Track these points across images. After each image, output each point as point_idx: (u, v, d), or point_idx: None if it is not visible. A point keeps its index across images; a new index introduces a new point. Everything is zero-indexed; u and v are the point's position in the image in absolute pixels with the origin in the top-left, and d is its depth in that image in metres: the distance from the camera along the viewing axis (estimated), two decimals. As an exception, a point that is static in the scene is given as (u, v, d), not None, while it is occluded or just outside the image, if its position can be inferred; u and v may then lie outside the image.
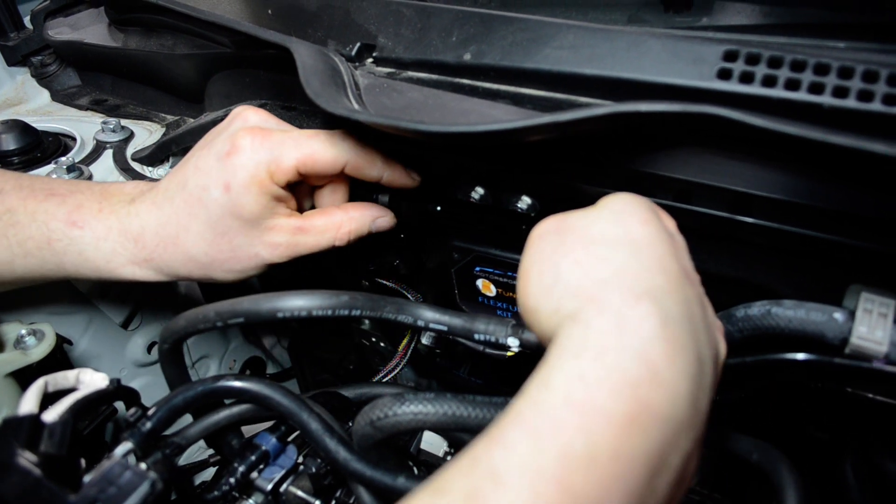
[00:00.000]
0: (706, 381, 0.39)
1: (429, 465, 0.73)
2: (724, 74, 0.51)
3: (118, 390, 0.61)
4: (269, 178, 0.57)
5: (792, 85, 0.48)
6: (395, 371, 0.88)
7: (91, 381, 0.62)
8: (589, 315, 0.38)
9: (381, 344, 1.01)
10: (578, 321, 0.38)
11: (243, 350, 1.15)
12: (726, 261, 0.60)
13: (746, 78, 0.50)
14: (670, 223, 0.49)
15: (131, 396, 0.62)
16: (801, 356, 0.52)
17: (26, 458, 0.46)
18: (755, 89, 0.49)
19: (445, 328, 0.55)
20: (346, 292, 0.54)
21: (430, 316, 0.56)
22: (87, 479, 0.49)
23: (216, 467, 0.74)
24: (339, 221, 0.62)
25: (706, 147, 0.54)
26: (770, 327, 0.55)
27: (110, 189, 0.64)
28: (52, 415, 0.54)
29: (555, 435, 0.34)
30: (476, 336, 0.54)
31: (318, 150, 0.58)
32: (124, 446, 0.54)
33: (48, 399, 0.58)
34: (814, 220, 0.52)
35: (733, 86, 0.50)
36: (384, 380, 0.89)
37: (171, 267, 0.62)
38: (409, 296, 0.84)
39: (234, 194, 0.57)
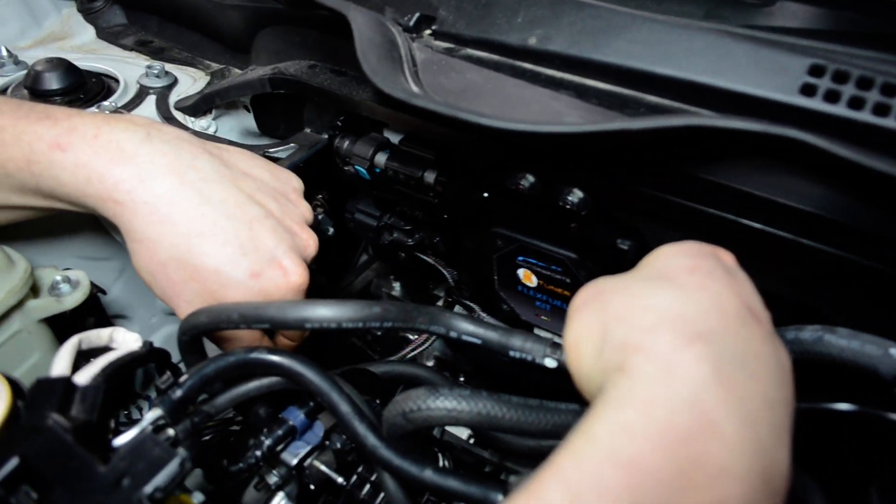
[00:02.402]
0: (778, 425, 0.36)
1: (453, 449, 0.73)
2: (808, 90, 0.48)
3: (150, 353, 0.60)
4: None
5: (881, 110, 0.45)
6: (424, 346, 0.88)
7: (124, 340, 0.61)
8: (636, 363, 0.36)
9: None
10: (625, 371, 0.36)
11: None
12: (781, 279, 0.58)
13: (832, 97, 0.47)
14: (728, 258, 0.46)
15: (163, 358, 0.62)
16: (846, 406, 0.50)
17: (58, 422, 0.46)
18: (840, 110, 0.47)
19: (479, 341, 0.54)
20: (378, 303, 0.53)
21: (463, 327, 0.54)
22: (116, 442, 0.49)
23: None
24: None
25: (775, 161, 0.51)
26: (821, 353, 0.53)
27: (120, 118, 0.59)
28: (84, 376, 0.53)
29: (598, 495, 0.32)
30: (511, 353, 0.52)
31: None
32: (155, 412, 0.54)
33: (80, 357, 0.58)
34: (878, 251, 0.50)
35: (817, 104, 0.47)
36: (413, 353, 0.89)
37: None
38: (446, 273, 0.83)
39: (245, 284, 0.57)
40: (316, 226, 0.94)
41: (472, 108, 0.54)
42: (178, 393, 0.56)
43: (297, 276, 0.59)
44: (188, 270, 0.57)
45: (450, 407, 0.51)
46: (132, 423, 0.70)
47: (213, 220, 0.56)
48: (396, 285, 0.99)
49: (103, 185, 0.55)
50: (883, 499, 0.65)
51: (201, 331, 0.60)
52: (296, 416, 0.62)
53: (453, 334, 0.55)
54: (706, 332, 0.36)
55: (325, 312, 0.54)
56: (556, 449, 0.35)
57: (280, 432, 0.60)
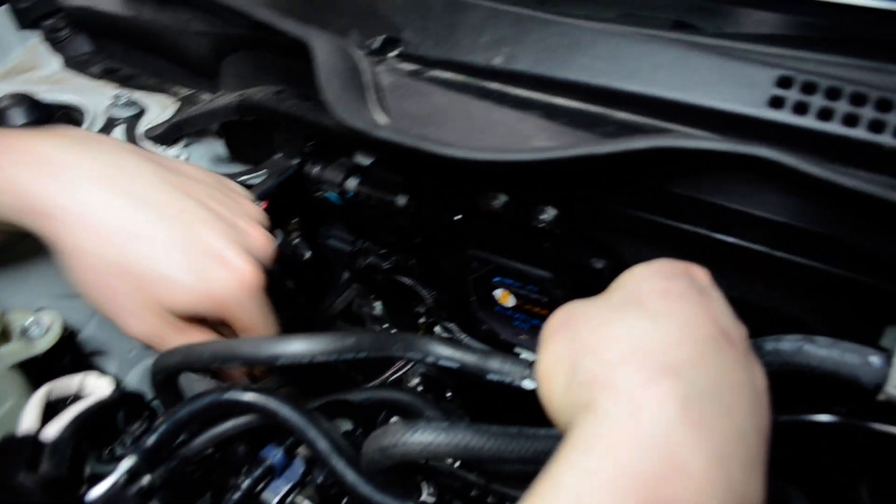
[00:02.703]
0: (750, 458, 0.35)
1: (438, 474, 0.72)
2: (776, 103, 0.47)
3: (122, 398, 0.59)
4: (218, 311, 0.56)
5: (850, 120, 0.45)
6: (407, 368, 0.87)
7: (95, 386, 0.60)
8: (602, 402, 0.35)
9: (393, 331, 0.99)
10: (591, 410, 0.35)
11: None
12: (758, 289, 0.57)
13: (800, 109, 0.46)
14: (702, 275, 0.45)
15: (137, 403, 0.61)
16: (828, 418, 0.50)
17: (26, 482, 0.45)
18: (809, 122, 0.46)
19: (457, 365, 0.53)
20: (352, 334, 0.52)
21: (440, 352, 0.53)
22: (89, 497, 0.48)
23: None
24: None
25: (746, 174, 0.50)
26: (801, 364, 0.52)
27: (54, 131, 0.57)
28: (52, 431, 0.52)
29: None
30: (490, 376, 0.52)
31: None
32: (128, 461, 0.53)
33: (51, 408, 0.57)
34: (853, 261, 0.49)
35: (785, 116, 0.46)
36: (396, 375, 0.88)
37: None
38: (424, 294, 0.82)
39: (187, 284, 0.54)
40: (291, 251, 0.93)
41: (438, 135, 0.53)
42: (152, 439, 0.55)
43: (247, 273, 0.56)
44: (128, 278, 0.54)
45: (427, 441, 0.51)
46: (115, 459, 0.69)
47: (148, 222, 0.53)
48: (377, 305, 0.98)
49: (30, 198, 0.53)
50: (873, 496, 0.64)
51: (173, 371, 0.59)
52: (274, 455, 0.61)
53: (430, 359, 0.55)
54: (675, 364, 0.35)
55: (298, 347, 0.53)
56: (525, 494, 0.35)
57: (258, 473, 0.58)
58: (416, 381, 0.98)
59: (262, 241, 0.59)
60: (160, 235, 0.53)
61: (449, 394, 0.99)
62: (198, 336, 0.58)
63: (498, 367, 0.52)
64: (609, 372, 0.36)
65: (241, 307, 0.56)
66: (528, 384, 0.51)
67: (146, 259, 0.53)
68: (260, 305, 0.58)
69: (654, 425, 0.33)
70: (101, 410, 0.56)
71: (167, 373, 0.60)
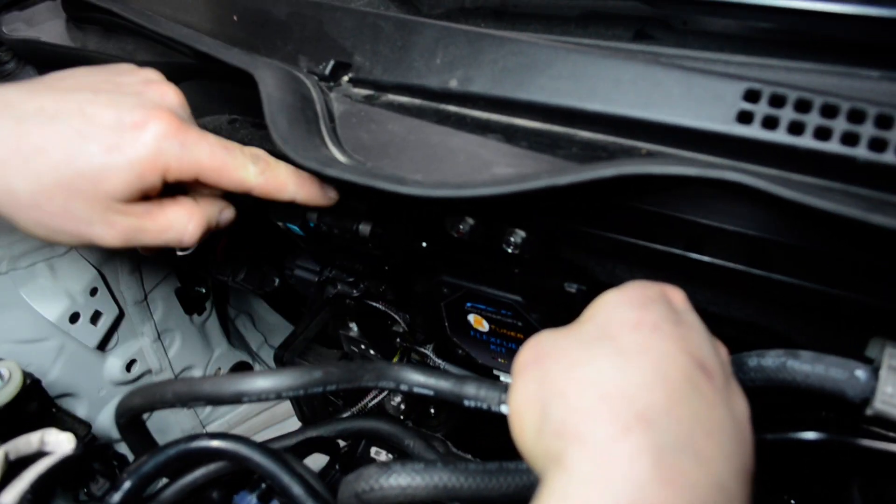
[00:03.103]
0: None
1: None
2: (745, 118, 0.45)
3: (86, 454, 0.57)
4: (158, 171, 0.50)
5: (822, 134, 0.42)
6: (384, 394, 0.84)
7: (56, 442, 0.58)
8: (572, 457, 0.33)
9: (371, 351, 0.96)
10: (562, 465, 0.34)
11: (228, 356, 1.11)
12: (737, 305, 0.56)
13: (770, 123, 0.44)
14: (677, 298, 0.43)
15: (103, 456, 0.58)
16: (813, 436, 0.48)
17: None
18: (780, 136, 0.44)
19: (432, 392, 0.51)
20: (319, 367, 0.50)
21: (414, 379, 0.51)
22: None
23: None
24: (184, 222, 0.54)
25: (718, 191, 0.48)
26: (785, 381, 0.50)
27: None
28: (11, 496, 0.50)
29: None
30: (466, 402, 0.49)
31: (228, 167, 0.52)
32: (91, 526, 0.50)
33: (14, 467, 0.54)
34: (835, 275, 0.47)
35: (755, 131, 0.44)
36: (374, 401, 0.86)
37: None
38: (398, 318, 0.79)
39: (110, 163, 0.49)
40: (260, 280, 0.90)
41: (395, 167, 0.50)
42: (116, 498, 0.53)
43: (155, 124, 0.51)
44: (67, 193, 0.50)
45: (404, 484, 0.49)
46: (93, 500, 0.66)
47: (41, 132, 0.49)
48: (353, 326, 0.95)
49: None
50: (864, 496, 0.63)
51: (137, 412, 0.57)
52: (248, 502, 0.58)
53: (404, 387, 0.53)
54: (647, 412, 0.34)
55: (263, 384, 0.51)
56: None
57: (231, 522, 0.56)
58: (398, 399, 0.96)
59: (168, 92, 0.55)
60: (53, 136, 0.49)
61: (433, 411, 0.97)
62: (176, 208, 0.54)
63: (474, 394, 0.50)
64: (579, 421, 0.35)
65: (180, 155, 0.51)
66: (505, 409, 0.49)
67: (68, 164, 0.49)
68: (202, 143, 0.52)
69: (626, 484, 0.31)
70: (64, 468, 0.53)
71: (131, 414, 0.57)
